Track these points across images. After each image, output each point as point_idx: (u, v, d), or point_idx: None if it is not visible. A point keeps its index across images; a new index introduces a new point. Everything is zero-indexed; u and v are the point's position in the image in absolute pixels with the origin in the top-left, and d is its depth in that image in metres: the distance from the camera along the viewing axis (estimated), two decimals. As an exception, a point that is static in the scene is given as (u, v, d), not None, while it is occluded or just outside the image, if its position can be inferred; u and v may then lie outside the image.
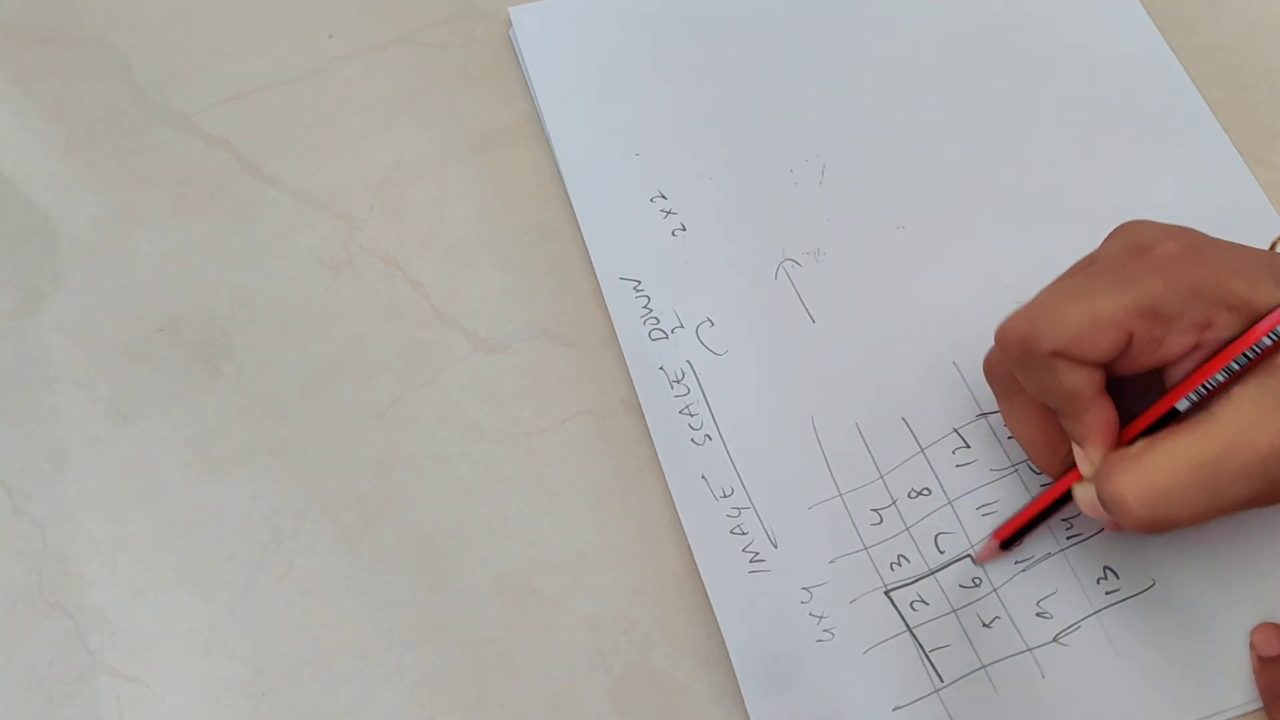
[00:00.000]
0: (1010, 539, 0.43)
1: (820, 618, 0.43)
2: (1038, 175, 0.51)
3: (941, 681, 0.42)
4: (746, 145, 0.52)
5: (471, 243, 0.50)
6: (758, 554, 0.44)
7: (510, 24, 0.55)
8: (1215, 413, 0.37)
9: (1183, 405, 0.38)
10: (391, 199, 0.51)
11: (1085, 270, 0.40)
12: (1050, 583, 0.43)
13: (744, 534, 0.44)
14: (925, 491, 0.45)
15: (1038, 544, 0.44)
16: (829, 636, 0.43)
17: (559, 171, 0.51)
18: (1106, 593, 0.43)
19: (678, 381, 0.47)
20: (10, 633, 0.43)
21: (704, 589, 0.43)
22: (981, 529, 0.44)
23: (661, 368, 0.47)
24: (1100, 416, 0.39)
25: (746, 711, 0.42)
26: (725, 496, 0.45)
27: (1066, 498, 0.41)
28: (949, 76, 0.53)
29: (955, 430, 0.46)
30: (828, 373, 0.47)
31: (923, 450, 0.45)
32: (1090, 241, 0.49)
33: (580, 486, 0.46)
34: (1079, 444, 0.40)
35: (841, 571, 0.44)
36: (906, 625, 0.43)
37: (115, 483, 0.46)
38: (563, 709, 0.42)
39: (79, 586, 0.44)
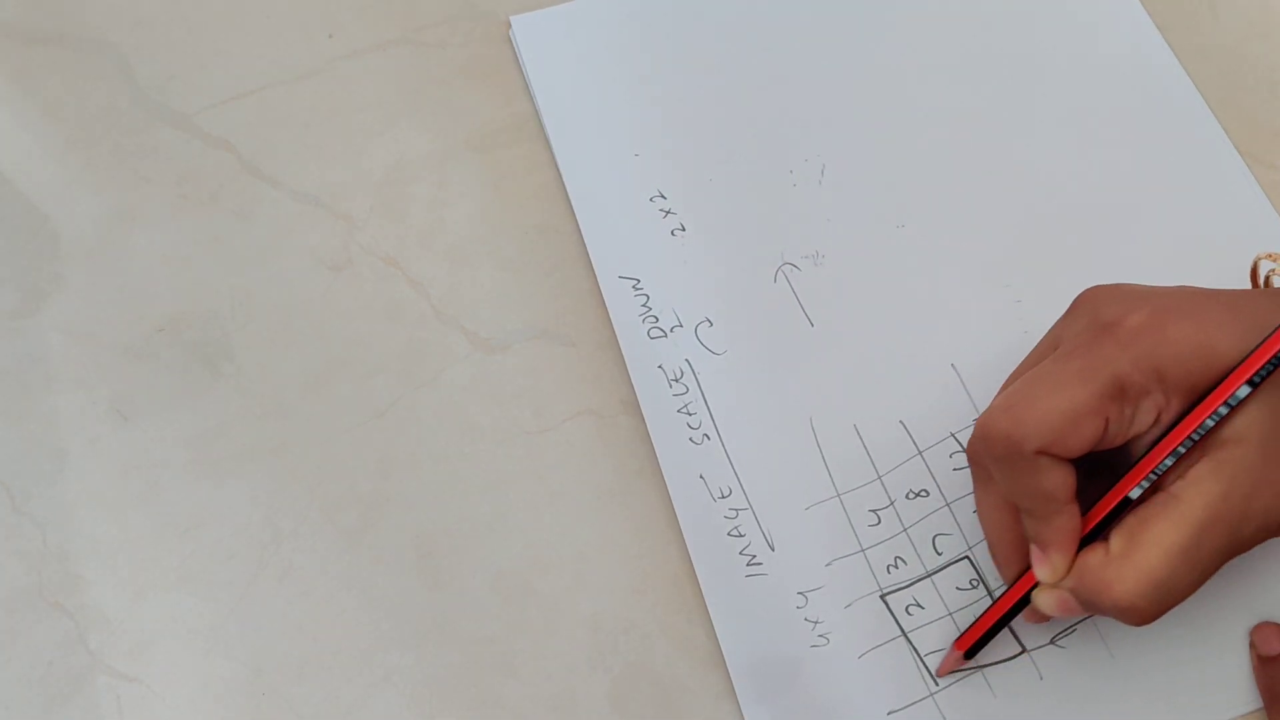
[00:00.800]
0: (973, 648, 0.41)
1: (816, 623, 0.43)
2: (1038, 175, 0.51)
3: (936, 685, 0.42)
4: (746, 145, 0.52)
5: (471, 243, 0.50)
6: (754, 557, 0.44)
7: (510, 26, 0.55)
8: (1179, 495, 0.37)
9: (1135, 494, 0.38)
10: (391, 199, 0.51)
11: (1052, 353, 0.40)
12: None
13: (741, 536, 0.44)
14: (923, 493, 0.45)
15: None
16: (824, 641, 0.43)
17: (559, 171, 0.51)
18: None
19: (676, 380, 0.47)
20: (10, 633, 0.44)
21: (703, 589, 0.44)
22: (980, 531, 0.44)
23: (660, 366, 0.47)
24: (1071, 523, 0.39)
25: (742, 713, 0.42)
26: (723, 497, 0.45)
27: (1025, 601, 0.40)
28: (949, 76, 0.53)
29: (953, 434, 0.46)
30: (826, 375, 0.47)
31: (920, 453, 0.46)
32: (1090, 240, 0.49)
33: (580, 486, 0.46)
34: (1041, 548, 0.39)
35: (838, 574, 0.44)
36: (901, 630, 0.43)
37: (115, 483, 0.46)
38: (563, 709, 0.43)
39: (79, 586, 0.44)
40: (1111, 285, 0.40)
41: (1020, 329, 0.47)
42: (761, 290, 0.49)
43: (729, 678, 0.42)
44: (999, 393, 0.42)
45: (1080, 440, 0.37)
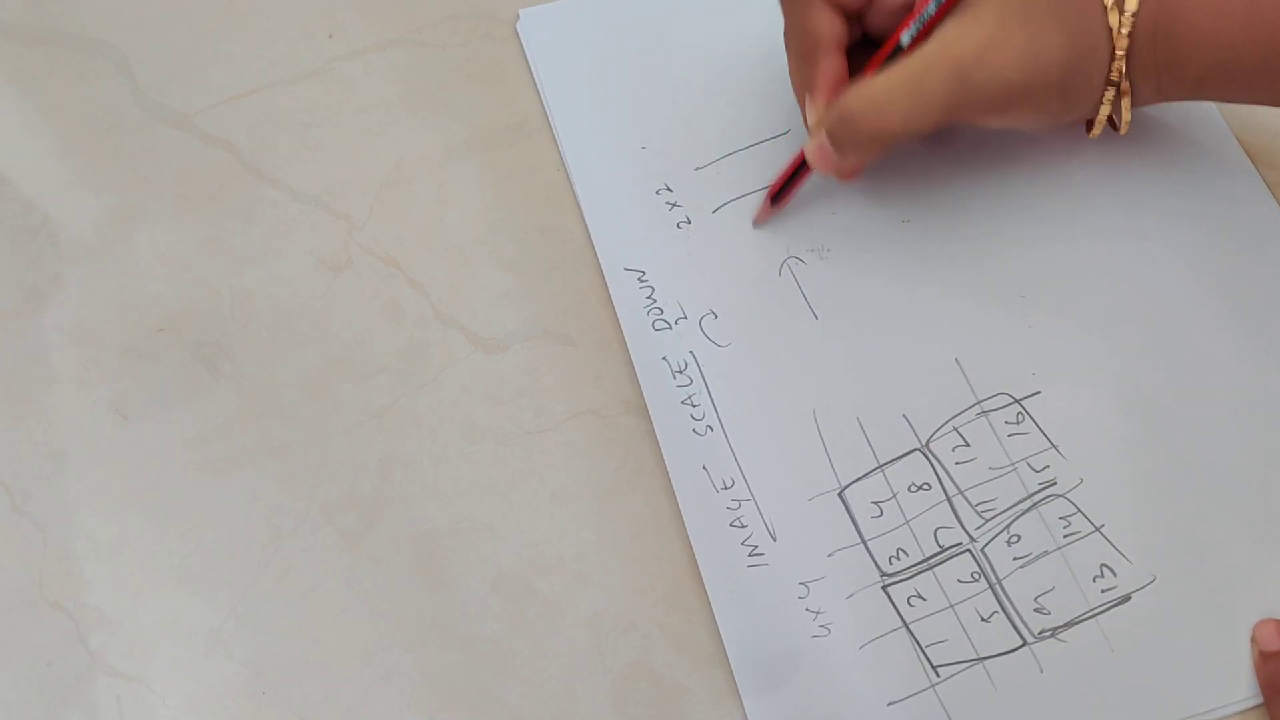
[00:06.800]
0: (777, 194, 0.49)
1: (817, 613, 0.43)
2: (1040, 173, 0.51)
3: (937, 677, 0.42)
4: (752, 139, 0.52)
5: (471, 243, 0.50)
6: (756, 547, 0.44)
7: (518, 19, 0.55)
8: (922, 44, 0.44)
9: (905, 39, 0.44)
10: (391, 199, 0.51)
11: None
12: (1048, 579, 0.43)
13: (743, 527, 0.44)
14: (925, 486, 0.45)
15: (1036, 540, 0.44)
16: (825, 632, 0.43)
17: (562, 168, 0.52)
18: (1103, 590, 0.43)
19: (680, 372, 0.47)
20: (10, 633, 0.44)
21: (704, 588, 0.43)
22: (981, 529, 0.44)
23: (664, 358, 0.47)
24: (833, 67, 0.45)
25: (743, 708, 0.42)
26: (726, 488, 0.45)
27: None
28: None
29: (955, 428, 0.46)
30: (830, 367, 0.47)
31: (922, 446, 0.45)
32: (1092, 238, 0.49)
33: (580, 486, 0.46)
34: (809, 93, 0.46)
35: (839, 566, 0.44)
36: (903, 620, 0.43)
37: (115, 483, 0.46)
38: (563, 709, 0.42)
39: (79, 586, 0.44)
40: None
41: (1024, 323, 0.47)
42: (766, 283, 0.49)
43: (729, 677, 0.42)
44: None
45: None
